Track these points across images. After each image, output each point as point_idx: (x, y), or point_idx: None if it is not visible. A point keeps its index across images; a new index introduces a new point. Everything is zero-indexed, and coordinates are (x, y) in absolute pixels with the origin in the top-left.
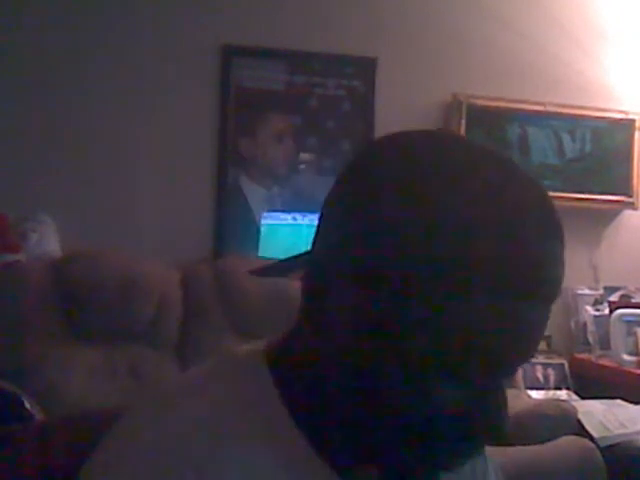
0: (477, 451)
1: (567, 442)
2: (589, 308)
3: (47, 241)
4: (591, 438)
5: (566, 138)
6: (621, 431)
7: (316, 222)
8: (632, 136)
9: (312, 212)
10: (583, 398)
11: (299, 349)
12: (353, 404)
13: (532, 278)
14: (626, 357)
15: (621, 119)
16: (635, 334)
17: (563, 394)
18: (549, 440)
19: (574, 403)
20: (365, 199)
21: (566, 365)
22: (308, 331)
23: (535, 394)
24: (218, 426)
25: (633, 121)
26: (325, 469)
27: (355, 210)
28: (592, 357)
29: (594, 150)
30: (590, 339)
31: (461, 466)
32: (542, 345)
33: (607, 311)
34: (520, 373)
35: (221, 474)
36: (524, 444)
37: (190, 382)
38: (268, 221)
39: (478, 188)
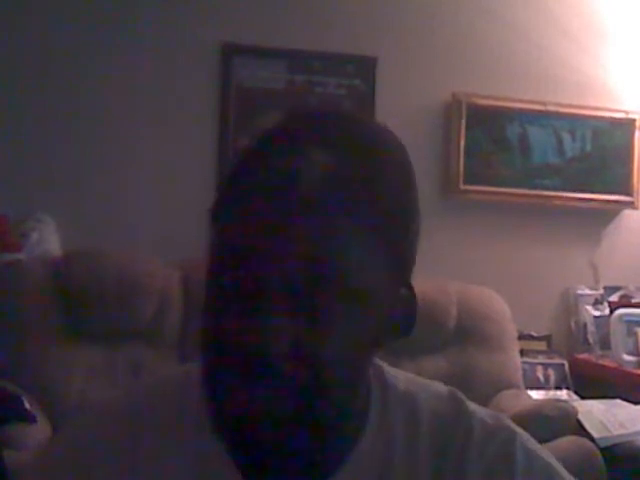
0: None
1: (567, 442)
2: (589, 308)
3: (47, 240)
4: (591, 438)
5: (566, 138)
6: (621, 431)
7: None
8: (632, 136)
9: None
10: (583, 398)
11: None
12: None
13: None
14: (626, 357)
15: (621, 119)
16: (635, 334)
17: (563, 394)
18: (549, 440)
19: (574, 403)
20: None
21: (566, 365)
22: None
23: (535, 394)
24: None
25: (633, 121)
26: (233, 471)
27: None
28: (592, 357)
29: (594, 150)
30: (590, 339)
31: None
32: (542, 345)
33: (607, 311)
34: (520, 372)
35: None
36: None
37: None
38: None
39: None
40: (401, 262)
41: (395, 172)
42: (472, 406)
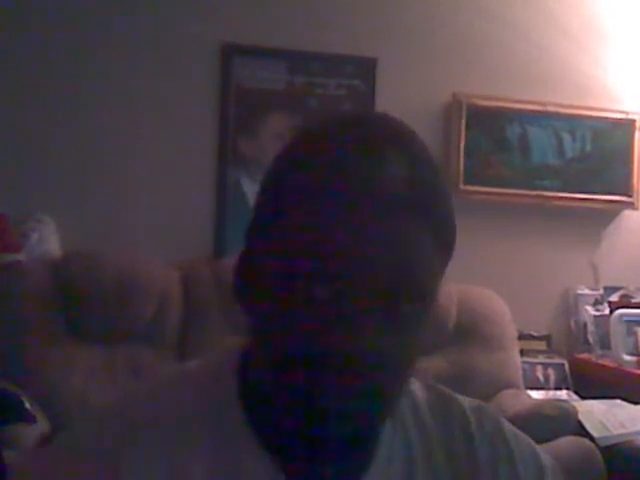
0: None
1: (567, 442)
2: (589, 308)
3: (47, 241)
4: (591, 438)
5: (566, 138)
6: (621, 431)
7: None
8: (632, 136)
9: None
10: (583, 398)
11: (248, 347)
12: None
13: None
14: (626, 357)
15: (621, 119)
16: (635, 334)
17: (563, 394)
18: (549, 440)
19: (574, 403)
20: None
21: (566, 365)
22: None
23: (535, 394)
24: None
25: (633, 121)
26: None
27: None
28: (592, 357)
29: (594, 150)
30: (590, 339)
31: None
32: (542, 345)
33: (607, 311)
34: (520, 372)
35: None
36: None
37: (163, 383)
38: None
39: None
40: (445, 267)
41: (442, 177)
42: (453, 393)
